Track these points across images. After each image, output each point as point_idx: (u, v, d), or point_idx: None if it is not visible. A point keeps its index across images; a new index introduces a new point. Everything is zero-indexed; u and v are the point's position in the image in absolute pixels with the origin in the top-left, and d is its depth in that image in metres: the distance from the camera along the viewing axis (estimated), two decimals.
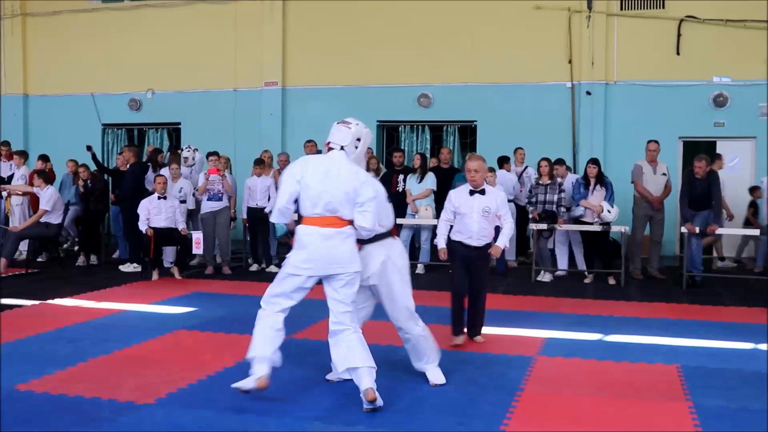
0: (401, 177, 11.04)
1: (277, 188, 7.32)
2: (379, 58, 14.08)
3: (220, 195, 10.46)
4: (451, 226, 6.38)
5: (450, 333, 6.37)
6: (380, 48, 14.05)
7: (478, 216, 6.20)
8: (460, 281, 6.38)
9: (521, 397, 4.90)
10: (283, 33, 14.58)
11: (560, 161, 10.71)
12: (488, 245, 6.28)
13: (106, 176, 12.23)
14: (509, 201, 11.21)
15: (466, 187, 6.34)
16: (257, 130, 14.45)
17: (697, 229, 9.60)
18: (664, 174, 10.41)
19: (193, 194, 10.96)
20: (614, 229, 9.92)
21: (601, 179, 9.96)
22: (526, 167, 11.77)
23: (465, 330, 6.43)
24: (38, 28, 16.28)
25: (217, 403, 4.65)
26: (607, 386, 5.18)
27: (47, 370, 5.38)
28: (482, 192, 6.24)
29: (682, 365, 5.69)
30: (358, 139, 4.81)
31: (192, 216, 11.11)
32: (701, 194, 9.71)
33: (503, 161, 11.59)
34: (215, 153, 10.85)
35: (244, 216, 10.97)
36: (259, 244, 10.93)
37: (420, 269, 10.77)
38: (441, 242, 6.52)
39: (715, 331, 6.95)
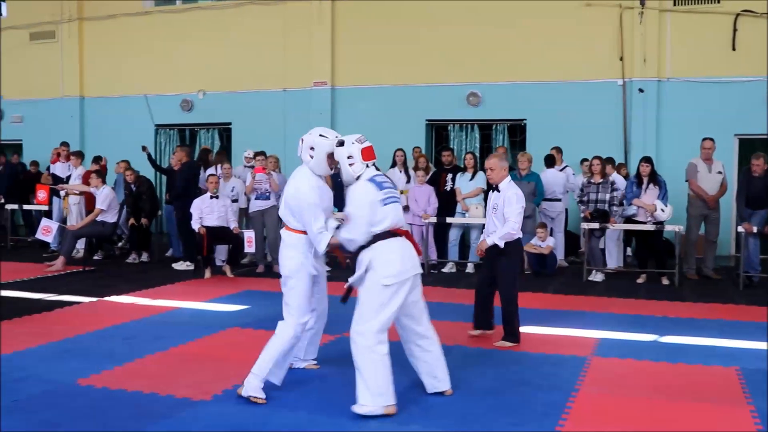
0: (450, 176, 11.02)
1: None
2: (427, 56, 14.05)
3: (267, 194, 10.55)
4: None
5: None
6: (429, 47, 14.02)
7: (489, 212, 6.46)
8: (479, 276, 6.71)
9: (576, 397, 4.85)
10: (332, 33, 14.66)
11: (609, 160, 10.68)
12: (507, 243, 6.31)
13: (159, 174, 12.42)
14: (556, 201, 11.17)
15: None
16: (307, 130, 14.36)
17: (755, 229, 9.39)
18: (719, 172, 10.20)
19: (245, 193, 11.09)
20: (668, 228, 9.76)
21: (655, 178, 9.80)
22: (565, 166, 11.65)
23: (484, 325, 6.59)
24: (94, 31, 16.65)
25: (272, 401, 4.70)
26: (663, 388, 5.09)
27: (106, 365, 5.51)
28: (497, 189, 6.40)
29: (741, 368, 5.57)
30: (312, 148, 5.05)
31: (244, 215, 11.25)
32: (759, 192, 9.50)
33: (550, 160, 11.51)
34: (262, 153, 10.96)
35: None
36: None
37: (470, 268, 10.74)
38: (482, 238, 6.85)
39: None
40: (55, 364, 5.54)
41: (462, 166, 11.13)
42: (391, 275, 4.55)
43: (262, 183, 10.53)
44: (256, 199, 10.62)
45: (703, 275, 10.23)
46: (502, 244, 6.28)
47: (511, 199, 6.24)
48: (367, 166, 4.78)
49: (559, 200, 11.31)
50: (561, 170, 11.55)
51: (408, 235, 4.80)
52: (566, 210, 11.77)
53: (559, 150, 11.75)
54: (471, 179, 10.67)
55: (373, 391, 4.44)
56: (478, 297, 6.60)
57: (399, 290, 4.57)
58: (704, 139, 10.24)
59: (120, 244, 12.63)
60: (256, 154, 11.00)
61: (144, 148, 12.06)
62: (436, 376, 4.86)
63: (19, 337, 6.35)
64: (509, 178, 6.42)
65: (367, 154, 4.78)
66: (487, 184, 10.43)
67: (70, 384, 5.04)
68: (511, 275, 6.44)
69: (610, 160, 10.79)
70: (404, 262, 4.63)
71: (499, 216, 6.30)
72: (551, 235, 10.72)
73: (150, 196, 11.70)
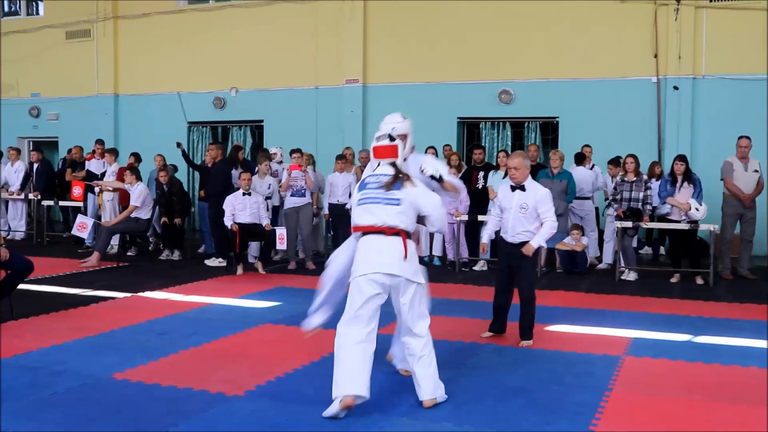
0: (481, 174, 10.99)
1: None
2: (459, 54, 14.02)
3: (302, 191, 10.62)
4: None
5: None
6: (461, 44, 13.98)
7: (515, 212, 6.26)
8: (499, 277, 6.55)
9: (610, 397, 4.81)
10: (364, 30, 14.67)
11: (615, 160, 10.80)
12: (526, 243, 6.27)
13: (192, 171, 12.50)
14: (585, 199, 11.08)
15: (509, 183, 6.44)
16: (339, 128, 14.59)
17: None
18: (755, 171, 10.06)
19: (278, 190, 11.15)
20: (703, 227, 9.64)
21: (689, 176, 9.69)
22: (593, 165, 11.54)
23: (501, 327, 6.49)
24: (128, 30, 16.85)
25: (306, 397, 4.72)
26: (698, 388, 5.04)
27: (141, 360, 5.58)
28: (522, 188, 6.27)
29: None
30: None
31: (277, 212, 11.31)
32: None
33: (580, 158, 11.41)
34: (298, 150, 11.03)
35: (326, 212, 11.21)
36: (341, 240, 11.03)
37: None
38: (485, 237, 6.74)
39: None
40: (91, 359, 5.62)
41: (494, 164, 11.09)
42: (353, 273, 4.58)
43: (298, 180, 10.61)
44: (291, 195, 10.69)
45: (739, 275, 10.10)
46: (545, 244, 6.32)
47: (545, 197, 6.20)
48: (379, 164, 4.73)
49: (589, 198, 11.21)
50: (590, 169, 11.46)
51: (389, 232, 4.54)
52: (597, 209, 11.68)
53: (590, 148, 11.65)
54: (503, 177, 10.61)
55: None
56: (498, 301, 6.50)
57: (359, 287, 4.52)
58: (740, 137, 10.10)
59: (152, 241, 12.78)
60: (293, 151, 11.07)
61: (179, 145, 12.18)
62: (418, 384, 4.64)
63: (55, 332, 6.47)
64: (530, 176, 6.39)
65: (376, 152, 4.75)
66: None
67: (106, 378, 5.12)
68: (533, 275, 6.51)
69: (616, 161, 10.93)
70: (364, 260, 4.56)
71: (529, 216, 6.22)
72: (583, 234, 10.64)
73: (181, 197, 11.80)
